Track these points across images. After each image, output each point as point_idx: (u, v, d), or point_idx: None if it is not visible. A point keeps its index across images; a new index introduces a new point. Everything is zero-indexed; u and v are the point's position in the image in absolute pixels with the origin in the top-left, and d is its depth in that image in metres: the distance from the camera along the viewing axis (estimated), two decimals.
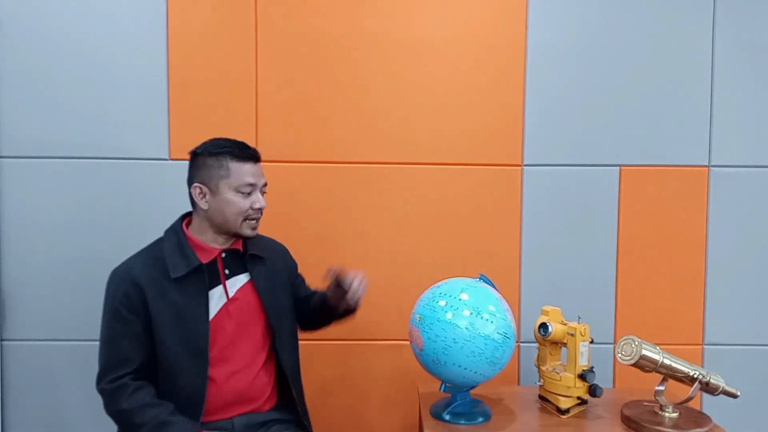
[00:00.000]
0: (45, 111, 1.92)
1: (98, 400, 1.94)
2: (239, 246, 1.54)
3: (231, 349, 1.49)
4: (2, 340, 1.95)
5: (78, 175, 1.94)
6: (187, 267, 1.44)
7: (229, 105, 1.95)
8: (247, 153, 1.48)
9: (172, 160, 1.95)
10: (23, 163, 1.93)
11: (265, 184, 1.52)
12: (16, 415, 1.96)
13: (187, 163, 1.89)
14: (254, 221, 1.49)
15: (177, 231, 1.50)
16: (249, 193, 1.47)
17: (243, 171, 1.46)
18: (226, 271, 1.51)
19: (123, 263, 1.49)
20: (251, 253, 1.54)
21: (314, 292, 1.71)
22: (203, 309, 1.44)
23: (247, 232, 1.48)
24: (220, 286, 1.49)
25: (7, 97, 1.92)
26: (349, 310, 1.62)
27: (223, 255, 1.51)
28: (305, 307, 1.69)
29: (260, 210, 1.49)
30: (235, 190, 1.45)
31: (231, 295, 1.50)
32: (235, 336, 1.50)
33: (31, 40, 1.91)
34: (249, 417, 1.52)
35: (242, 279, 1.53)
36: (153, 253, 1.49)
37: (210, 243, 1.50)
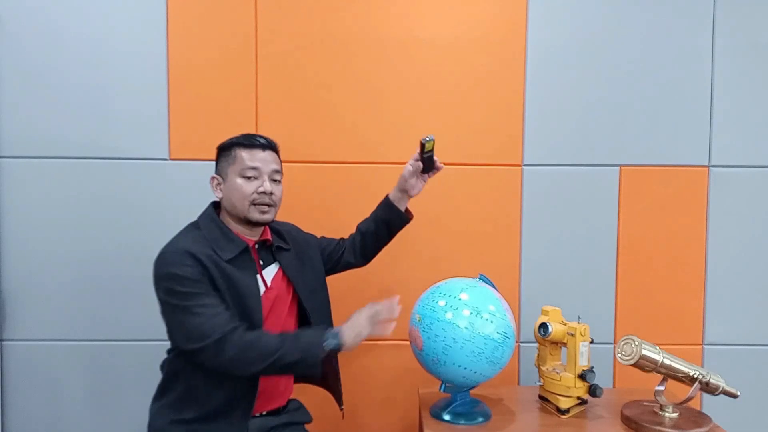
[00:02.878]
0: (45, 111, 1.92)
1: (98, 400, 1.96)
2: (268, 236, 1.57)
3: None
4: (2, 340, 1.95)
5: (78, 175, 1.94)
6: (236, 249, 1.47)
7: (229, 105, 1.95)
8: (252, 141, 1.51)
9: (172, 160, 1.95)
10: (23, 163, 1.93)
11: (277, 171, 1.53)
12: (16, 415, 1.96)
13: (187, 162, 1.93)
14: (264, 206, 1.49)
15: (213, 218, 1.52)
16: (254, 178, 1.48)
17: (246, 156, 1.49)
18: (261, 262, 1.55)
19: (170, 244, 1.45)
20: (277, 245, 1.58)
21: (354, 234, 1.77)
22: (255, 285, 1.47)
23: (255, 216, 1.48)
24: (258, 276, 1.52)
25: (7, 97, 1.92)
26: (405, 220, 1.72)
27: (256, 246, 1.55)
28: (339, 252, 1.75)
29: (267, 194, 1.49)
30: (240, 175, 1.48)
31: (268, 284, 1.53)
32: (271, 322, 1.52)
33: (31, 39, 1.91)
34: (263, 420, 1.54)
35: (274, 268, 1.57)
36: (194, 236, 1.47)
37: (241, 234, 1.53)
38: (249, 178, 1.48)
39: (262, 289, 1.52)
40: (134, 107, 1.94)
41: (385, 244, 1.76)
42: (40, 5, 1.91)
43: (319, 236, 1.78)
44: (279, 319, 1.55)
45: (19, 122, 1.92)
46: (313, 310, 1.60)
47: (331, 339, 1.38)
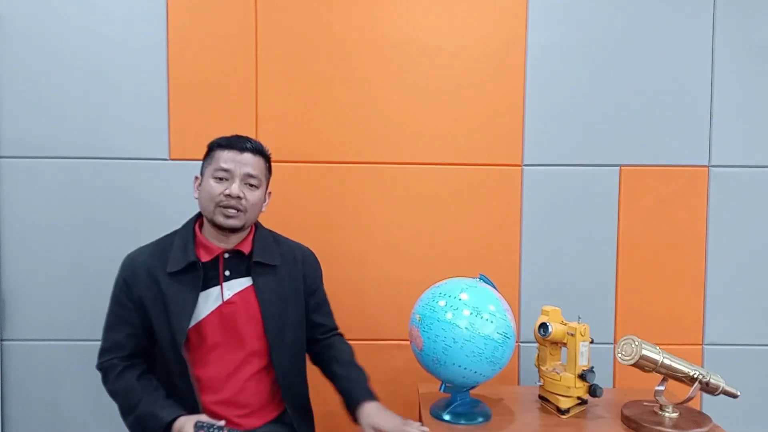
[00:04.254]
0: (45, 111, 1.92)
1: (98, 401, 1.96)
2: (245, 248, 1.50)
3: (219, 351, 1.47)
4: (2, 340, 1.95)
5: (78, 175, 1.94)
6: (183, 262, 1.44)
7: (229, 105, 1.95)
8: (233, 142, 1.48)
9: (172, 160, 1.95)
10: (23, 163, 1.93)
11: (251, 176, 1.46)
12: (16, 415, 1.96)
13: (187, 162, 1.93)
14: (230, 210, 1.43)
15: (188, 226, 1.51)
16: (225, 179, 1.44)
17: (221, 157, 1.46)
18: (227, 273, 1.49)
19: (135, 250, 1.52)
20: (255, 260, 1.49)
21: (335, 336, 1.64)
22: (189, 307, 1.43)
23: (220, 219, 1.43)
24: (218, 287, 1.47)
25: (7, 97, 1.92)
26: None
27: (226, 256, 1.49)
28: (312, 337, 1.62)
29: (233, 197, 1.42)
30: (212, 175, 1.45)
31: (226, 297, 1.47)
32: (226, 340, 1.47)
33: (31, 39, 1.91)
34: None
35: (243, 283, 1.49)
36: (162, 244, 1.50)
37: (214, 241, 1.49)
38: (220, 179, 1.44)
39: (218, 302, 1.46)
40: (134, 107, 1.94)
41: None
42: (40, 5, 1.91)
43: (320, 256, 1.68)
44: (243, 341, 1.48)
45: (19, 122, 1.92)
46: (275, 345, 1.49)
47: None
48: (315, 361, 1.64)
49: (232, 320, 1.47)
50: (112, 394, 1.46)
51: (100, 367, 1.48)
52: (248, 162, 1.46)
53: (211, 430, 1.34)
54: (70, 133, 1.93)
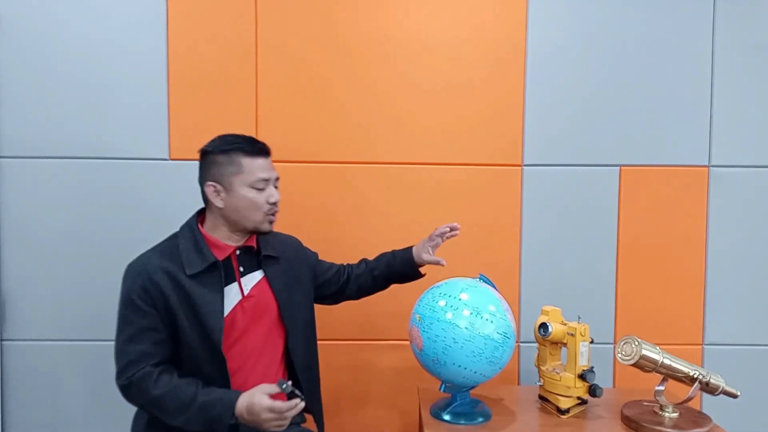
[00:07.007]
0: (45, 111, 1.92)
1: (98, 400, 1.96)
2: (253, 243, 1.55)
3: (243, 345, 1.50)
4: (2, 340, 1.95)
5: (78, 175, 1.94)
6: (203, 264, 1.45)
7: (229, 105, 1.95)
8: (257, 148, 1.49)
9: (172, 160, 1.95)
10: (23, 163, 1.93)
11: (278, 178, 1.53)
12: (16, 415, 1.96)
13: (187, 162, 1.92)
14: (272, 215, 1.51)
15: (192, 228, 1.50)
16: (263, 188, 1.48)
17: (255, 166, 1.47)
18: (241, 269, 1.53)
19: (138, 257, 1.48)
20: (265, 254, 1.55)
21: (351, 266, 1.77)
22: (218, 305, 1.45)
23: (267, 227, 1.50)
24: (236, 284, 1.50)
25: (7, 97, 1.92)
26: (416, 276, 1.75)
27: (238, 253, 1.53)
28: (338, 282, 1.73)
29: (276, 204, 1.50)
30: (250, 186, 1.46)
31: (246, 292, 1.51)
32: (248, 332, 1.50)
33: (31, 39, 1.91)
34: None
35: (257, 276, 1.54)
36: (168, 248, 1.49)
37: (224, 240, 1.50)
38: (259, 189, 1.47)
39: (238, 297, 1.49)
40: (134, 107, 1.94)
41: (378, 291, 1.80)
42: (40, 5, 1.91)
43: (320, 255, 1.76)
44: (261, 329, 1.52)
45: (19, 122, 1.92)
46: (292, 330, 1.56)
47: (234, 418, 1.36)
48: (360, 292, 1.77)
49: (252, 312, 1.51)
50: (155, 400, 1.38)
51: (130, 380, 1.39)
52: (272, 165, 1.52)
53: (290, 388, 1.34)
54: (70, 133, 1.93)
